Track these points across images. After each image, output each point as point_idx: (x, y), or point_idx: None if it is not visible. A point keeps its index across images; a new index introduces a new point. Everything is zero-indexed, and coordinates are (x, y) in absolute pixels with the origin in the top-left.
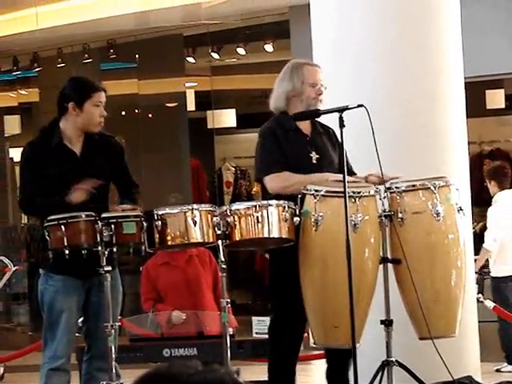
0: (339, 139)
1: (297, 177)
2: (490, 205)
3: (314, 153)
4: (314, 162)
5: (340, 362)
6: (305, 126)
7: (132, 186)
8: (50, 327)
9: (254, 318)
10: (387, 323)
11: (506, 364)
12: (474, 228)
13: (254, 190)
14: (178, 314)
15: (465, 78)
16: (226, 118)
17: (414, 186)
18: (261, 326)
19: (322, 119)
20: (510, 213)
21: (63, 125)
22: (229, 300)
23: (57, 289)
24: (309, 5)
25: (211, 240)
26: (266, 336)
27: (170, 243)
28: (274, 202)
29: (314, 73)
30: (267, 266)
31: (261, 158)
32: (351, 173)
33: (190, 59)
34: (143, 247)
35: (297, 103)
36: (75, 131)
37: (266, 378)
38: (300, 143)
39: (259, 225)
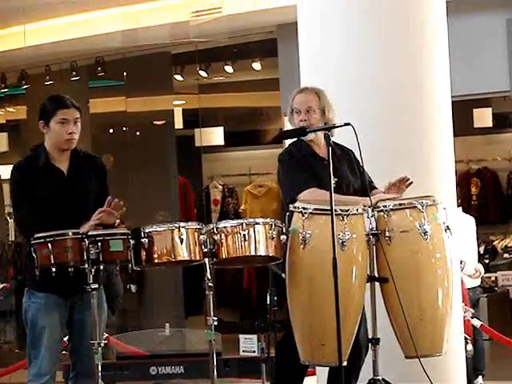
0: (359, 159)
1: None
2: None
3: (332, 177)
4: (334, 185)
5: None
6: (322, 150)
7: None
8: (34, 344)
9: (241, 336)
10: (374, 342)
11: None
12: None
13: (242, 208)
14: None
15: (452, 96)
16: (214, 136)
17: (401, 204)
18: (248, 344)
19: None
20: None
21: (46, 143)
22: (216, 318)
23: (39, 306)
24: (296, 23)
25: (198, 258)
26: (253, 354)
27: (156, 261)
28: (260, 220)
29: (297, 98)
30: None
31: (288, 180)
32: (372, 188)
33: (178, 77)
34: (130, 265)
35: None
36: (53, 149)
37: None
38: (318, 167)
39: (246, 243)
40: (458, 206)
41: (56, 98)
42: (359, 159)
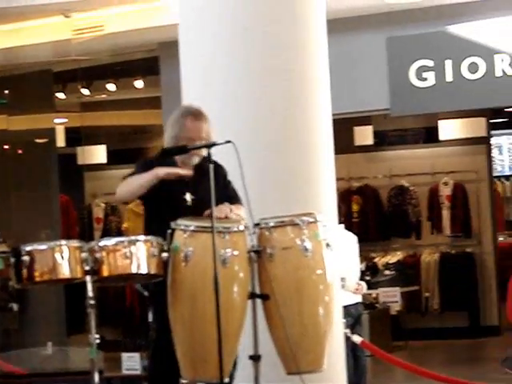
0: (226, 176)
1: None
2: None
3: (188, 194)
4: (189, 203)
5: None
6: (187, 168)
7: None
8: None
9: (124, 355)
10: (255, 358)
11: None
12: None
13: (124, 225)
14: None
15: (333, 114)
16: (96, 154)
17: (282, 222)
18: (130, 362)
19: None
20: None
21: None
22: (98, 336)
23: None
24: (178, 41)
25: (79, 276)
26: (136, 372)
27: (37, 279)
28: (142, 237)
29: (190, 125)
30: (146, 304)
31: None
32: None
33: (60, 95)
34: (11, 283)
35: None
36: None
37: None
38: (174, 185)
39: (127, 260)
40: (340, 223)
41: None
42: (241, 176)
